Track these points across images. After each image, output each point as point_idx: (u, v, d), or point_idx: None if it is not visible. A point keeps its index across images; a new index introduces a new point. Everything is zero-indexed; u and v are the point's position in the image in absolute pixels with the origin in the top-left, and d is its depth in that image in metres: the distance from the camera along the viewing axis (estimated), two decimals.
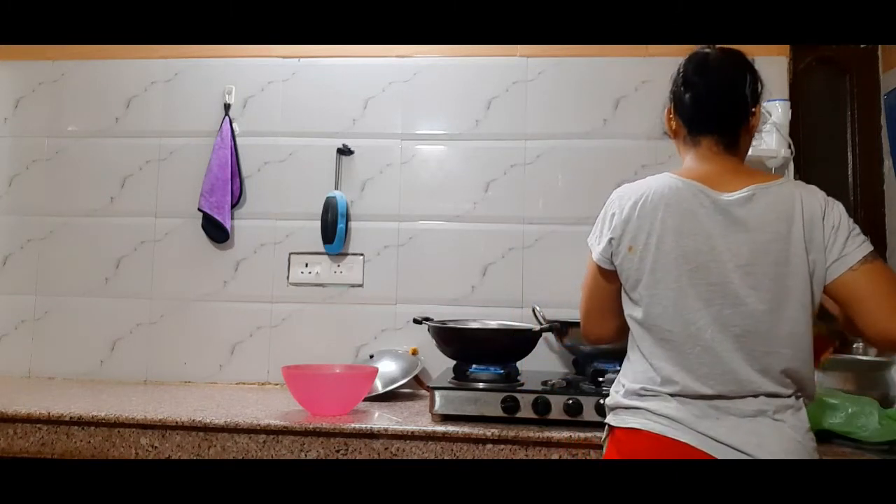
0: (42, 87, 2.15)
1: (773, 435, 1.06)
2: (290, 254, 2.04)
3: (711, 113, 1.19)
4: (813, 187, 1.15)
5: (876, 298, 1.06)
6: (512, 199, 1.99)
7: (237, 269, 2.05)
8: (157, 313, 2.05)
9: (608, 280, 1.21)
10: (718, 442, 1.06)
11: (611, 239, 1.17)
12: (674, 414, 1.09)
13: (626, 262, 1.15)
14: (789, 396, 1.09)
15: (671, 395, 1.11)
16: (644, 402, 1.12)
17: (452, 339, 1.71)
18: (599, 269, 1.21)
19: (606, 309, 1.23)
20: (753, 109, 1.19)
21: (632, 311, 1.18)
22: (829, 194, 1.15)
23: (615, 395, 1.19)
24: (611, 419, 1.19)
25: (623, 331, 1.22)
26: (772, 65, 1.92)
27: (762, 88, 1.21)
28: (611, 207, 1.20)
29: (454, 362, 1.68)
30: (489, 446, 1.40)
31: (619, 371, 1.59)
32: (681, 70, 1.24)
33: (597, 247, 1.20)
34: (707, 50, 1.23)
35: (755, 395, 1.08)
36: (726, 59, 1.21)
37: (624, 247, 1.15)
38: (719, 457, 1.05)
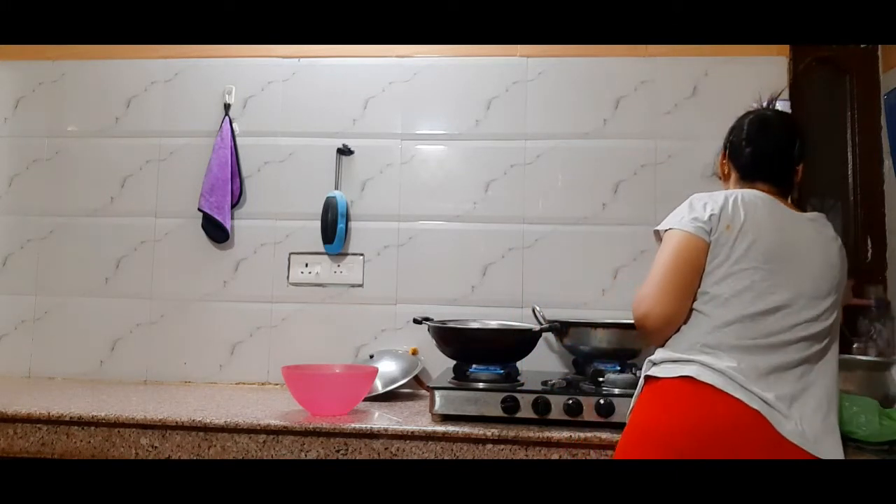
0: (42, 87, 2.15)
1: (814, 414, 1.15)
2: (290, 254, 2.04)
3: (768, 167, 1.36)
4: None
5: None
6: (512, 199, 1.99)
7: (237, 269, 2.05)
8: (157, 313, 2.05)
9: (699, 253, 1.25)
10: (767, 403, 1.12)
11: (712, 214, 1.26)
12: (730, 371, 1.15)
13: (722, 237, 1.24)
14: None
15: (731, 350, 1.18)
16: (700, 356, 1.19)
17: (452, 339, 1.71)
18: (694, 240, 1.25)
19: (688, 285, 1.25)
20: (797, 168, 1.37)
21: (710, 286, 1.24)
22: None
23: (663, 352, 1.24)
24: (654, 371, 1.23)
25: (686, 316, 1.25)
26: (772, 65, 1.92)
27: (807, 150, 1.37)
28: (699, 200, 1.30)
29: (454, 362, 1.68)
30: (489, 446, 1.40)
31: (618, 371, 1.61)
32: (744, 126, 1.39)
33: (693, 223, 1.26)
34: (768, 113, 1.41)
35: (804, 374, 1.18)
36: (783, 122, 1.39)
37: (723, 225, 1.25)
38: (766, 414, 1.12)
